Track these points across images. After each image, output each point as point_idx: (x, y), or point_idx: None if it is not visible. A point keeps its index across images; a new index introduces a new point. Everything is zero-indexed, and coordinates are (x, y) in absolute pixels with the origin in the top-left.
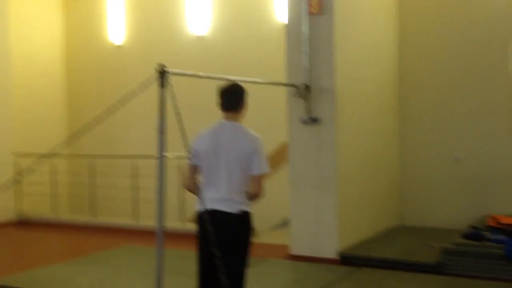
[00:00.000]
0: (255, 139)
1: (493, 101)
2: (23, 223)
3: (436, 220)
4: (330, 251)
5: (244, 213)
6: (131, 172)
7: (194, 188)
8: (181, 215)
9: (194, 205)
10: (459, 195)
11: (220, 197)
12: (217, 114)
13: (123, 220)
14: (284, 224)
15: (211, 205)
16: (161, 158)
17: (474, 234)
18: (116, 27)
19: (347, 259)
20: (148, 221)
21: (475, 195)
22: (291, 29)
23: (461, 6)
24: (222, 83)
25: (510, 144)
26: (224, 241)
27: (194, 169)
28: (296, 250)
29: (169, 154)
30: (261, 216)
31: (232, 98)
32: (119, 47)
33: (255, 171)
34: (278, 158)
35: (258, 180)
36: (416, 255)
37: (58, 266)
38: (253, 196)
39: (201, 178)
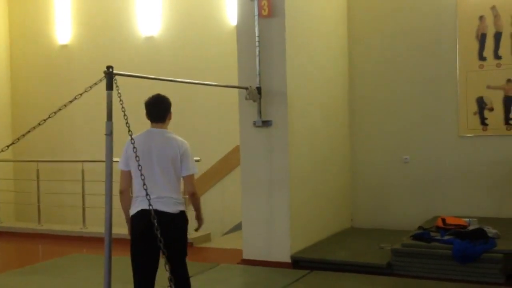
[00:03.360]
0: (183, 143)
1: (440, 106)
2: None
3: (386, 222)
4: (282, 254)
5: (181, 212)
6: (78, 177)
7: (128, 193)
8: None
9: (131, 207)
10: (409, 197)
11: (159, 196)
12: None
13: (71, 227)
14: (238, 227)
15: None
16: (109, 162)
17: (423, 235)
18: (62, 26)
19: (300, 262)
20: (97, 228)
21: (423, 197)
22: (242, 31)
23: (408, 12)
24: (154, 93)
25: (457, 147)
26: (166, 239)
27: (128, 174)
28: (248, 255)
29: (117, 158)
30: (215, 219)
31: (160, 109)
32: (64, 46)
33: (185, 173)
34: (232, 161)
35: (189, 180)
36: (367, 256)
37: (2, 277)
38: (191, 195)
39: (135, 182)
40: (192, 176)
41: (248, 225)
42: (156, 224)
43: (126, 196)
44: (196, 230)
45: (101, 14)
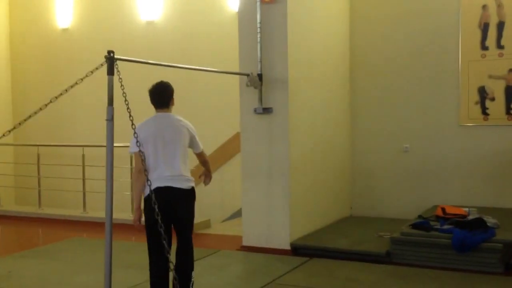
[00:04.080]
0: (190, 125)
1: (441, 95)
2: None
3: (385, 211)
4: (282, 241)
5: (192, 188)
6: (79, 161)
7: (143, 174)
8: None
9: (145, 188)
10: (408, 186)
11: (174, 174)
12: None
13: (71, 211)
14: (238, 214)
15: (164, 183)
16: (110, 147)
17: (423, 224)
18: (63, 9)
19: (299, 250)
20: (98, 212)
21: (423, 186)
22: (244, 17)
23: (411, 0)
24: (157, 81)
25: (458, 137)
26: (179, 214)
27: (142, 156)
28: (248, 241)
29: (118, 143)
30: (215, 206)
31: (164, 96)
32: (65, 30)
33: (198, 150)
34: (232, 148)
35: (202, 154)
36: (366, 245)
37: (2, 260)
38: (204, 162)
39: (149, 162)
40: (203, 151)
41: (248, 212)
42: (163, 204)
43: (143, 175)
44: (206, 184)
45: None
